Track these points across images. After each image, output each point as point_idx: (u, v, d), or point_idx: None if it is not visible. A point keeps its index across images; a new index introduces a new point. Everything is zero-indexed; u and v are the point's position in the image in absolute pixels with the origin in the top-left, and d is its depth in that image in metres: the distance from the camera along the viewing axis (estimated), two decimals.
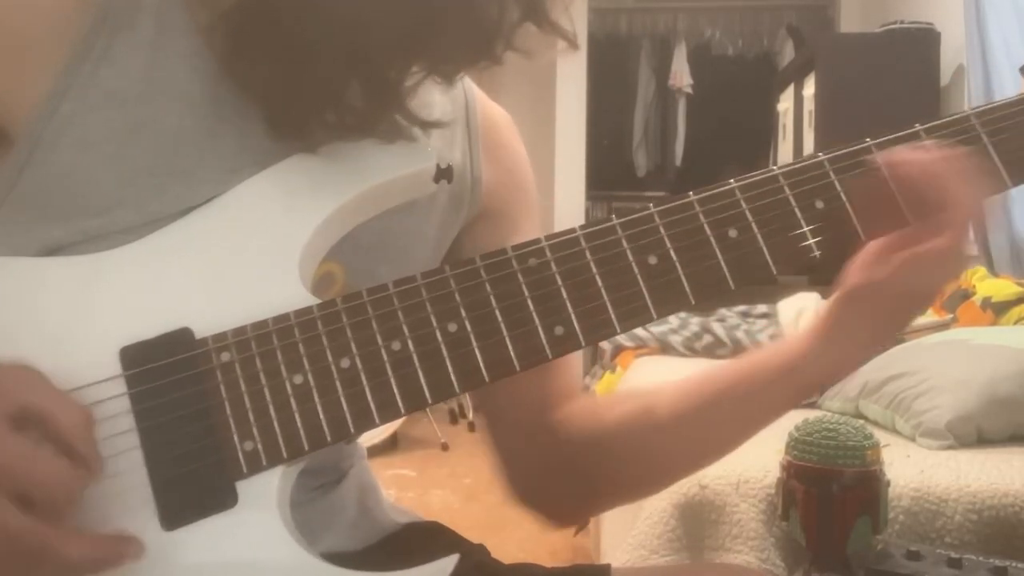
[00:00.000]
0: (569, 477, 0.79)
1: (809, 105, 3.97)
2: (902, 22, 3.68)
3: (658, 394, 0.77)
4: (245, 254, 0.61)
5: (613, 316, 0.60)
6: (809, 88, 3.97)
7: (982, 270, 2.67)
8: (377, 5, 0.58)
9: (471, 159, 0.77)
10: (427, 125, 0.65)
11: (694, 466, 0.80)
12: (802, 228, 0.62)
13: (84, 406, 0.56)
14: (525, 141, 0.85)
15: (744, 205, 0.62)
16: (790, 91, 4.50)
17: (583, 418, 0.79)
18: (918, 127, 0.65)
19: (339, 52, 0.59)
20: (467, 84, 0.79)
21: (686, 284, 0.61)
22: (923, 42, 3.60)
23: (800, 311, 2.74)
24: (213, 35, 0.61)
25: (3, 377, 0.53)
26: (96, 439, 0.55)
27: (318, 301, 0.60)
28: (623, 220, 0.62)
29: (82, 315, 0.59)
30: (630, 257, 0.61)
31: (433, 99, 0.73)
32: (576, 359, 0.82)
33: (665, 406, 0.75)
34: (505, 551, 0.83)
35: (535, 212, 0.82)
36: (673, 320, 2.91)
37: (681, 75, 5.86)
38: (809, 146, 4.04)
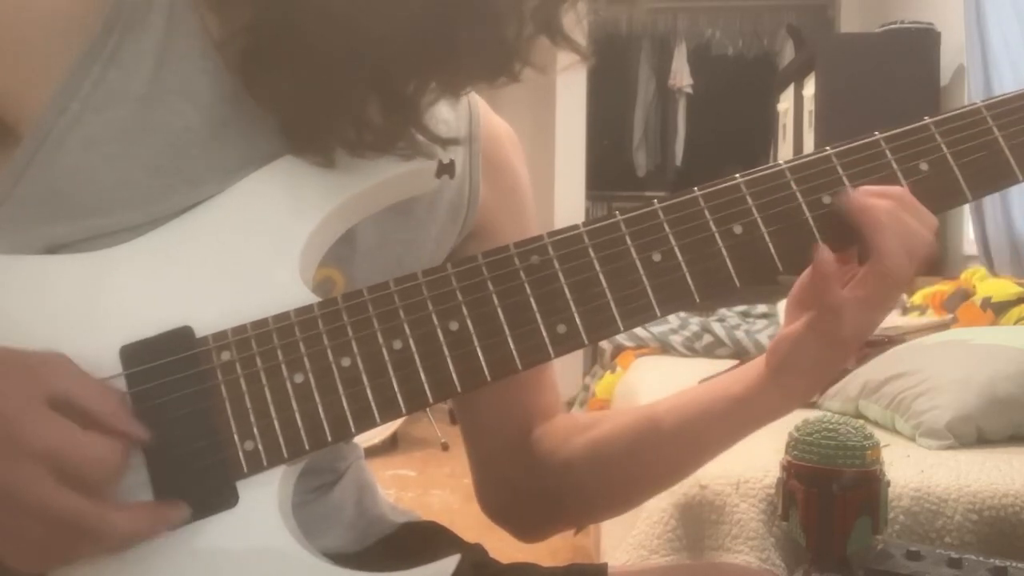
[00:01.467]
0: (538, 496, 0.81)
1: (809, 105, 3.97)
2: (902, 22, 3.68)
3: (621, 420, 0.79)
4: (245, 251, 0.61)
5: (616, 314, 0.60)
6: (809, 88, 3.96)
7: (982, 270, 2.67)
8: (396, 22, 0.57)
9: (471, 172, 0.77)
10: (444, 142, 0.64)
11: (651, 491, 0.83)
12: (809, 224, 0.61)
13: (115, 389, 0.57)
14: (525, 141, 0.85)
15: (750, 201, 0.61)
16: (790, 91, 4.49)
17: (554, 439, 0.81)
18: (927, 120, 0.64)
19: (358, 68, 0.59)
20: (472, 98, 0.79)
21: (691, 281, 0.60)
22: (923, 42, 3.59)
23: None
24: (229, 48, 0.61)
25: (36, 363, 0.55)
26: (130, 414, 0.56)
27: (319, 300, 0.60)
28: (626, 217, 0.61)
29: (82, 314, 0.59)
30: (634, 254, 0.60)
31: (441, 113, 0.73)
32: (555, 379, 0.83)
33: (627, 433, 0.77)
34: (505, 551, 0.83)
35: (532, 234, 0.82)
36: (673, 320, 2.91)
37: (681, 75, 5.85)
38: (809, 146, 4.03)
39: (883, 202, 0.60)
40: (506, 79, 0.62)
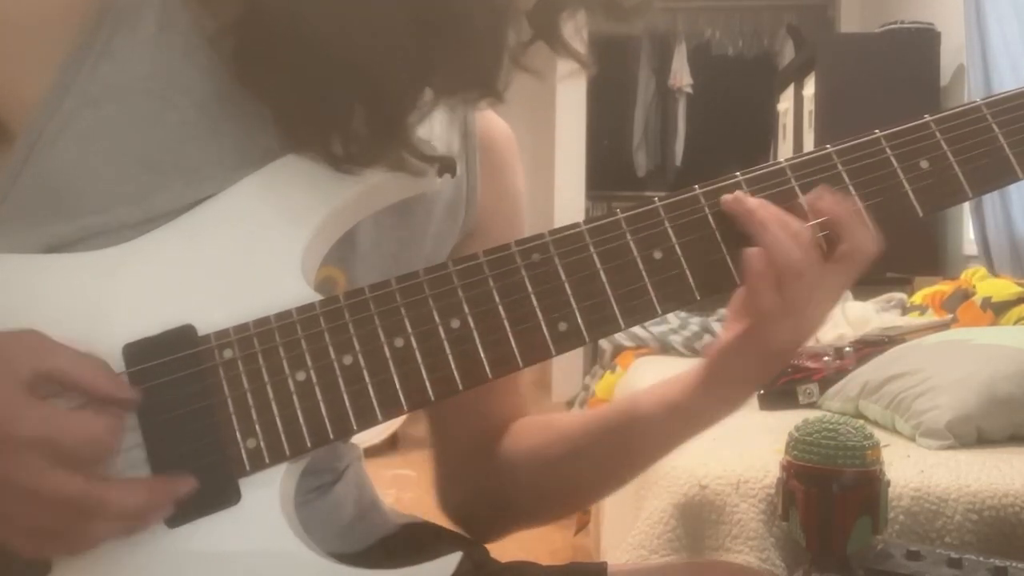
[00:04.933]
0: (490, 496, 0.81)
1: (809, 105, 3.97)
2: (902, 22, 3.68)
3: (564, 424, 0.79)
4: (248, 250, 0.61)
5: (617, 312, 0.60)
6: (809, 88, 3.97)
7: (982, 270, 2.67)
8: (374, 33, 0.58)
9: (468, 171, 0.77)
10: (430, 159, 0.64)
11: (590, 495, 0.83)
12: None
13: (94, 356, 0.56)
14: (525, 141, 0.85)
15: None
16: (790, 91, 4.50)
17: (508, 440, 0.81)
18: (928, 117, 0.64)
19: (341, 74, 0.59)
20: None
21: (691, 279, 0.60)
22: (923, 42, 3.60)
23: None
24: (221, 44, 0.61)
25: (14, 344, 0.54)
26: (116, 378, 0.56)
27: (320, 298, 0.60)
28: (627, 214, 0.61)
29: (85, 313, 0.59)
30: (634, 252, 0.60)
31: (433, 115, 0.72)
32: (521, 390, 0.84)
33: (567, 437, 0.78)
34: (505, 551, 0.83)
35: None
36: (673, 320, 2.91)
37: (681, 75, 5.85)
38: (809, 146, 4.03)
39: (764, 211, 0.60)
40: (492, 99, 0.62)
